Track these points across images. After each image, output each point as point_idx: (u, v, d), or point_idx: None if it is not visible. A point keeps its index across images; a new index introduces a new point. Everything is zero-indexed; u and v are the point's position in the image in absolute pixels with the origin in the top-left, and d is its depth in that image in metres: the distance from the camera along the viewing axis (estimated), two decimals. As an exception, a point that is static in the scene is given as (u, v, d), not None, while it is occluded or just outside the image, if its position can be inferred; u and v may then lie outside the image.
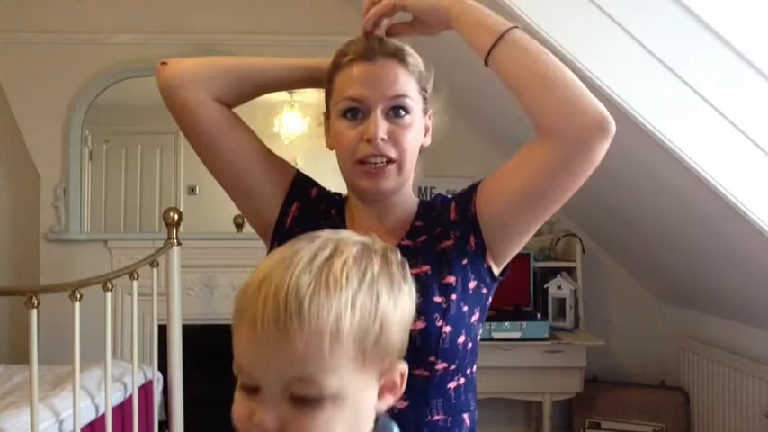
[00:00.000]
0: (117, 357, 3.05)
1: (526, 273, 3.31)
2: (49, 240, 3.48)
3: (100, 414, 2.33)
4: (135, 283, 2.43)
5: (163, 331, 2.77)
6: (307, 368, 0.58)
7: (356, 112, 0.99)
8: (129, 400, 2.53)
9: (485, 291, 1.03)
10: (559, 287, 3.31)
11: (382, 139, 0.97)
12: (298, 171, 1.11)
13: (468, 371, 1.02)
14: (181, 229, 2.83)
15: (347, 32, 1.07)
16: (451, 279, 0.99)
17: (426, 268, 0.98)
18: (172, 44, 3.30)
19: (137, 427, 2.47)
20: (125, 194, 3.77)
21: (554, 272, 3.38)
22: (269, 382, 0.60)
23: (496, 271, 1.04)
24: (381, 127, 0.97)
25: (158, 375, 2.79)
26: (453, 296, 0.98)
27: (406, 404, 0.93)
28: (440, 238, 1.03)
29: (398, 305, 0.64)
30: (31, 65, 3.49)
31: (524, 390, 3.15)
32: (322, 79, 1.05)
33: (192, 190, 3.77)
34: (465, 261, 1.01)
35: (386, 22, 1.04)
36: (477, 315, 1.02)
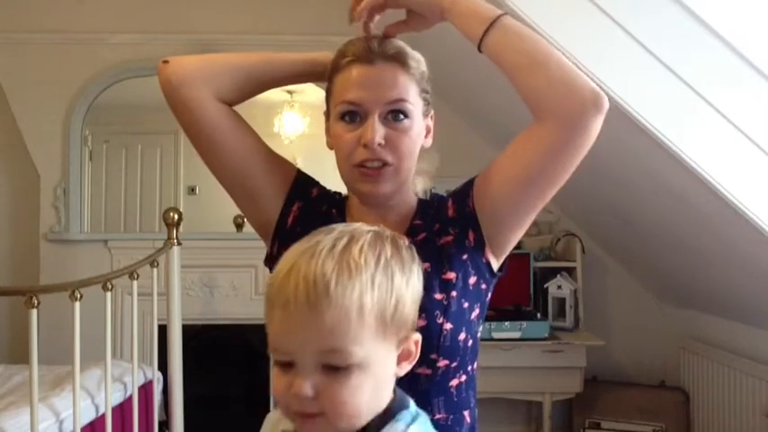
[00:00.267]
0: (117, 357, 3.05)
1: (526, 273, 3.31)
2: (48, 240, 3.48)
3: (100, 414, 2.33)
4: (135, 283, 2.43)
5: (163, 331, 2.77)
6: (336, 341, 0.67)
7: (354, 116, 0.99)
8: (129, 400, 2.53)
9: (484, 286, 1.04)
10: (559, 287, 3.31)
11: (380, 144, 0.97)
12: (299, 171, 1.11)
13: (470, 368, 1.03)
14: (181, 229, 2.84)
15: (348, 32, 1.06)
16: (452, 275, 0.99)
17: (426, 266, 0.98)
18: (172, 44, 3.30)
19: (137, 427, 2.47)
20: (125, 194, 3.77)
21: (554, 272, 3.38)
22: (303, 356, 0.68)
23: (495, 266, 1.04)
24: (378, 132, 0.97)
25: (158, 375, 2.79)
26: (454, 293, 0.98)
27: (409, 403, 0.93)
28: (439, 234, 1.03)
29: (410, 283, 0.73)
30: (32, 65, 3.49)
31: (524, 390, 3.15)
32: (324, 72, 1.05)
33: (192, 190, 3.77)
34: (465, 256, 1.01)
35: (377, 18, 1.05)
36: (477, 311, 1.02)
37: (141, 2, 3.52)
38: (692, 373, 3.25)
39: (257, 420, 0.87)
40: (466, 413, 1.02)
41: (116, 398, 2.46)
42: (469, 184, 1.05)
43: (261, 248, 1.12)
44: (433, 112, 1.07)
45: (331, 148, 1.04)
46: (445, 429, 0.98)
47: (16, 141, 3.50)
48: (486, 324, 2.91)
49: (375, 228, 0.75)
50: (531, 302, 3.33)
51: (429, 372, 0.96)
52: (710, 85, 1.95)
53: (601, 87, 0.94)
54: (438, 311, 0.97)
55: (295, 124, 3.72)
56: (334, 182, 1.13)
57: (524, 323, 3.04)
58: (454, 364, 0.99)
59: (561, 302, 3.31)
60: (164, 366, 2.80)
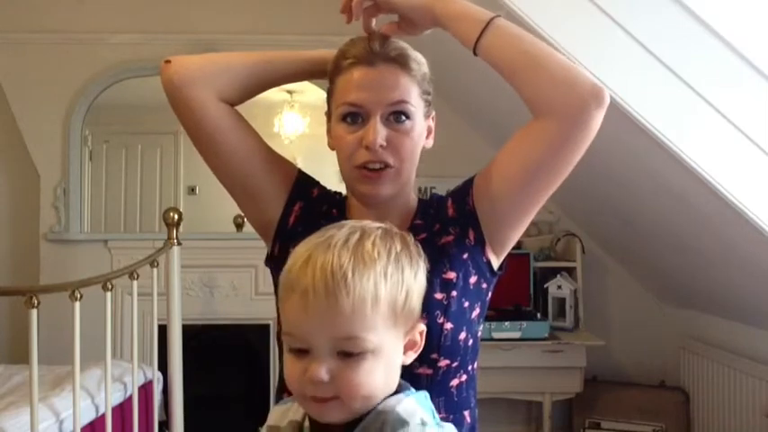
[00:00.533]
0: (117, 357, 3.05)
1: (526, 273, 3.31)
2: (48, 240, 3.48)
3: (100, 414, 2.33)
4: (135, 283, 2.43)
5: (163, 331, 2.77)
6: (353, 328, 0.70)
7: (356, 117, 0.99)
8: (129, 400, 2.53)
9: (485, 286, 1.04)
10: (559, 287, 3.31)
11: (381, 146, 0.97)
12: (300, 171, 1.11)
13: (470, 367, 1.03)
14: (181, 229, 2.84)
15: (348, 32, 1.06)
16: (452, 275, 0.99)
17: (427, 266, 0.98)
18: (172, 44, 3.30)
19: (137, 427, 2.47)
20: (125, 194, 3.77)
21: (554, 272, 3.38)
22: (319, 342, 0.71)
23: (495, 264, 1.04)
24: (380, 133, 0.97)
25: (158, 375, 2.79)
26: (454, 293, 0.98)
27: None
28: (440, 234, 1.03)
29: (417, 277, 0.77)
30: (31, 65, 3.49)
31: (524, 390, 3.15)
32: (325, 71, 1.05)
33: (192, 190, 3.77)
34: (465, 256, 1.01)
35: (374, 22, 1.05)
36: (477, 311, 1.02)
37: (141, 2, 3.52)
38: (692, 373, 3.25)
39: (257, 420, 0.88)
40: (466, 413, 1.02)
41: (116, 398, 2.46)
42: (469, 183, 1.05)
43: (261, 248, 1.12)
44: (434, 113, 1.07)
45: (333, 149, 1.04)
46: (446, 428, 0.99)
47: (16, 141, 3.50)
48: (486, 324, 2.91)
49: (383, 224, 0.79)
50: (531, 302, 3.33)
51: (430, 372, 0.96)
52: (710, 85, 1.95)
53: (601, 87, 0.94)
54: (438, 311, 0.97)
55: (295, 124, 3.72)
56: (334, 182, 1.13)
57: (524, 323, 3.04)
58: (455, 364, 0.99)
59: (561, 302, 3.31)
60: (164, 366, 2.80)
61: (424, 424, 0.72)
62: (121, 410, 2.52)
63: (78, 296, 2.02)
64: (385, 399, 0.74)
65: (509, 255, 1.07)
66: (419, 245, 0.80)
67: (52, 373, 2.55)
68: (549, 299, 3.34)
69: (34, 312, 1.85)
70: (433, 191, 1.05)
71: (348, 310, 0.69)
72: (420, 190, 0.98)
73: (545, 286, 3.36)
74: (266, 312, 2.98)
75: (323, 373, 0.70)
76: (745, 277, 2.49)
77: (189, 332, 2.98)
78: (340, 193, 1.12)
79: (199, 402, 3.10)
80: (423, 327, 0.79)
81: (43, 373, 2.35)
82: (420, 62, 1.02)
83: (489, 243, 1.02)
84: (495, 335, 2.99)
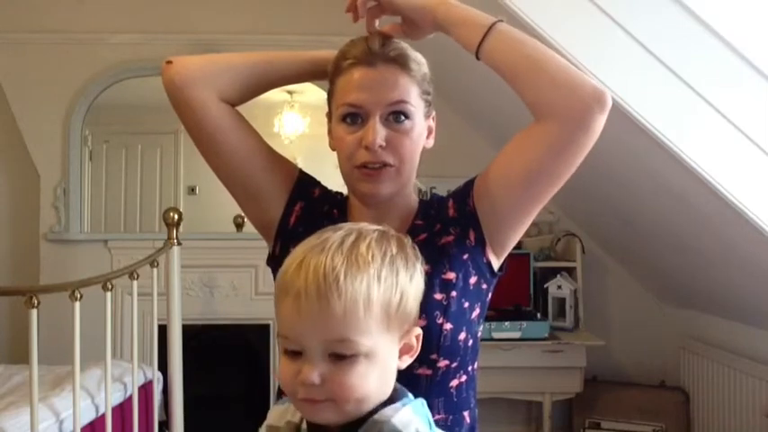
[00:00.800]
0: (117, 357, 3.05)
1: (526, 273, 3.31)
2: (48, 240, 3.48)
3: (100, 414, 2.33)
4: (135, 283, 2.43)
5: (163, 331, 2.77)
6: (345, 330, 0.70)
7: (356, 117, 0.99)
8: (129, 400, 2.53)
9: (485, 286, 1.04)
10: (559, 287, 3.31)
11: (381, 146, 0.97)
12: (301, 171, 1.12)
13: (470, 368, 1.03)
14: (181, 229, 2.83)
15: (349, 32, 1.06)
16: (452, 275, 0.99)
17: (427, 268, 0.98)
18: (172, 44, 3.30)
19: (137, 427, 2.47)
20: (125, 194, 3.77)
21: (554, 272, 3.38)
22: (312, 344, 0.70)
23: (496, 265, 1.04)
24: (380, 134, 0.97)
25: (158, 375, 2.79)
26: (454, 293, 0.98)
27: (408, 403, 0.93)
28: (440, 234, 1.03)
29: (413, 280, 0.76)
30: (31, 65, 3.49)
31: (524, 390, 3.15)
32: (326, 71, 1.05)
33: (192, 190, 3.77)
34: (466, 256, 1.01)
35: (377, 23, 1.05)
36: (477, 311, 1.02)
37: (141, 2, 3.52)
38: (692, 373, 3.25)
39: (257, 420, 0.87)
40: (466, 413, 1.02)
41: (116, 398, 2.46)
42: (470, 184, 1.05)
43: (261, 248, 1.12)
44: (434, 113, 1.07)
45: (333, 149, 1.04)
46: (445, 430, 0.98)
47: (16, 141, 3.50)
48: (486, 324, 2.91)
49: (380, 227, 0.78)
50: (531, 302, 3.33)
51: (429, 372, 0.96)
52: (710, 85, 1.95)
53: (601, 87, 0.94)
54: (438, 311, 0.97)
55: (295, 124, 3.72)
56: (334, 182, 1.13)
57: (524, 323, 3.04)
58: (454, 365, 0.99)
59: (561, 302, 3.31)
60: (164, 366, 2.80)
61: None
62: (121, 410, 2.52)
63: (78, 296, 2.02)
64: (382, 407, 0.73)
65: (509, 255, 1.07)
66: (417, 248, 0.79)
67: (52, 373, 2.55)
68: (549, 299, 3.34)
69: (34, 312, 1.86)
70: (434, 191, 1.05)
71: (340, 313, 0.69)
72: (420, 191, 0.98)
73: (545, 286, 3.36)
74: (266, 312, 2.98)
75: (314, 375, 0.70)
76: (745, 277, 2.49)
77: (189, 332, 2.98)
78: (341, 194, 1.12)
79: (199, 402, 3.10)
80: (419, 331, 0.78)
81: (43, 373, 2.35)
82: (420, 62, 1.02)
83: (490, 244, 1.02)
84: (495, 335, 2.99)
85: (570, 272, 3.41)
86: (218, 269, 3.51)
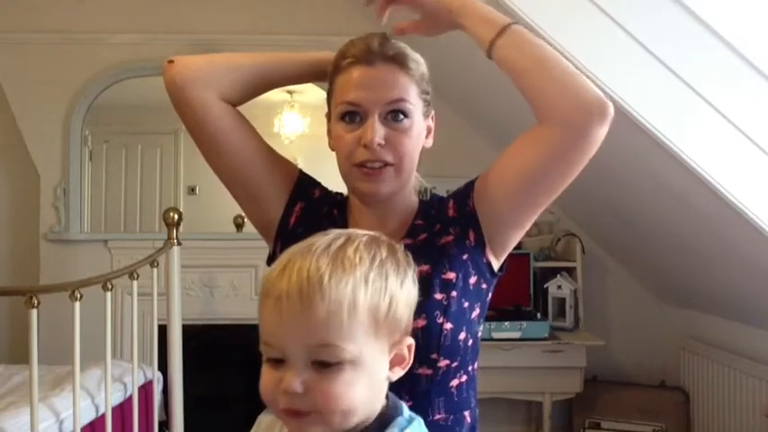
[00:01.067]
0: (117, 357, 3.05)
1: (526, 273, 3.31)
2: (48, 240, 3.47)
3: (100, 414, 2.33)
4: (135, 283, 2.43)
5: (163, 331, 2.77)
6: (328, 335, 0.66)
7: (354, 116, 0.99)
8: (129, 400, 2.53)
9: (485, 286, 1.04)
10: (559, 287, 3.31)
11: (379, 145, 0.97)
12: (301, 171, 1.12)
13: (470, 368, 1.03)
14: (181, 229, 2.83)
15: (349, 32, 1.07)
16: (452, 275, 0.99)
17: (427, 268, 0.99)
18: (172, 44, 3.30)
19: (137, 427, 2.47)
20: (125, 194, 3.77)
21: (554, 272, 3.38)
22: (294, 350, 0.67)
23: (496, 266, 1.04)
24: (378, 132, 0.97)
25: (158, 375, 2.79)
26: (454, 293, 0.99)
27: (409, 404, 0.93)
28: (440, 234, 1.03)
29: (404, 285, 0.72)
30: (31, 65, 3.49)
31: (524, 390, 3.15)
32: (327, 72, 1.05)
33: (192, 190, 3.77)
34: (465, 256, 1.01)
35: (389, 9, 1.06)
36: (477, 311, 1.02)
37: (141, 2, 3.52)
38: (692, 373, 3.24)
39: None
40: (466, 413, 1.02)
41: (116, 398, 2.46)
42: (470, 185, 1.05)
43: (261, 248, 1.12)
44: (433, 112, 1.07)
45: (333, 150, 1.04)
46: (445, 429, 0.99)
47: (16, 141, 3.50)
48: (486, 324, 2.91)
49: (372, 232, 0.75)
50: (531, 302, 3.33)
51: (429, 372, 0.96)
52: (710, 85, 1.95)
53: (601, 87, 0.94)
54: (438, 311, 0.97)
55: (295, 124, 3.72)
56: (334, 182, 1.13)
57: (524, 323, 3.04)
58: (455, 364, 0.99)
59: (561, 302, 3.31)
60: (164, 366, 2.80)
61: None
62: (121, 410, 2.52)
63: (78, 296, 2.02)
64: (376, 425, 0.70)
65: (509, 255, 1.07)
66: (409, 254, 0.76)
67: (52, 373, 2.55)
68: (549, 299, 3.34)
69: (34, 312, 1.86)
70: (434, 191, 1.05)
71: (322, 316, 0.66)
72: (421, 192, 0.98)
73: (545, 286, 3.35)
74: (266, 312, 2.98)
75: (297, 383, 0.66)
76: (745, 277, 2.49)
77: (189, 332, 2.98)
78: (341, 194, 1.12)
79: (199, 402, 3.10)
80: (411, 341, 0.75)
81: (43, 373, 2.35)
82: (418, 62, 1.02)
83: (489, 244, 1.02)
84: (495, 335, 2.99)
85: (570, 272, 3.41)
86: (218, 269, 3.51)
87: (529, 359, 3.05)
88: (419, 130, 1.02)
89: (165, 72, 1.04)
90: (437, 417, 0.98)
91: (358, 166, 0.99)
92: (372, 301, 0.68)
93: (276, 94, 3.42)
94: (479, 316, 1.03)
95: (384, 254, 0.72)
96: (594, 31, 1.95)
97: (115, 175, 3.74)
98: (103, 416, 2.27)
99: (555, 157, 0.95)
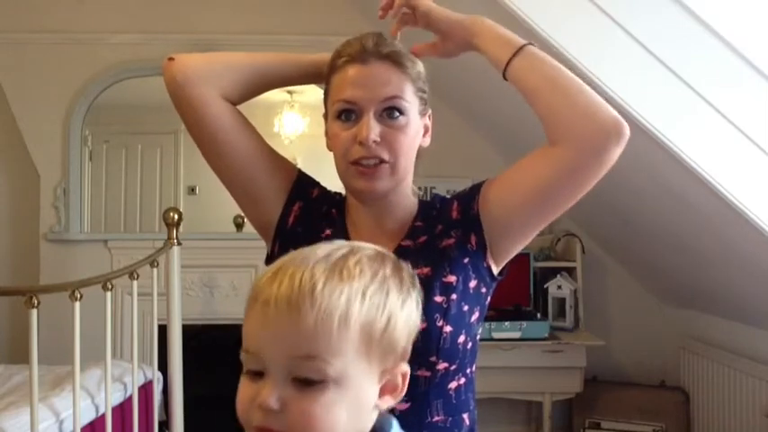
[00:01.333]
0: (117, 357, 3.05)
1: (526, 273, 3.31)
2: (48, 240, 3.48)
3: (100, 414, 2.33)
4: (135, 283, 2.43)
5: (163, 331, 2.77)
6: (314, 346, 0.60)
7: (350, 114, 0.99)
8: (129, 400, 2.53)
9: (484, 290, 1.04)
10: (559, 287, 3.31)
11: (375, 142, 0.97)
12: (300, 171, 1.11)
13: (469, 370, 1.03)
14: (181, 229, 2.83)
15: (349, 33, 1.06)
16: (452, 278, 0.99)
17: (427, 270, 0.98)
18: (172, 44, 3.29)
19: (137, 427, 2.47)
20: (125, 194, 3.77)
21: (554, 272, 3.38)
22: (275, 361, 0.61)
23: (495, 270, 1.04)
24: (374, 129, 0.97)
25: (158, 375, 2.79)
26: (454, 296, 0.98)
27: (407, 405, 0.93)
28: (441, 236, 1.03)
29: (406, 306, 0.66)
30: (31, 65, 3.49)
31: (524, 390, 3.15)
32: None
33: (191, 190, 3.77)
34: (466, 260, 1.01)
35: (399, 36, 1.07)
36: (476, 314, 1.02)
37: (141, 2, 3.52)
38: (692, 373, 3.24)
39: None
40: (465, 415, 1.02)
41: (116, 398, 2.46)
42: (476, 189, 1.05)
43: (261, 248, 1.12)
44: (430, 111, 1.07)
45: (330, 150, 1.04)
46: None
47: (16, 141, 3.50)
48: (486, 324, 2.91)
49: (379, 248, 0.70)
50: (531, 302, 3.33)
51: (428, 374, 0.96)
52: (710, 85, 1.95)
53: (601, 88, 0.95)
54: (438, 314, 0.97)
55: (295, 124, 3.72)
56: (333, 182, 1.13)
57: (524, 323, 3.04)
58: (453, 367, 0.99)
59: (561, 302, 3.31)
60: (164, 366, 2.80)
61: None
62: (121, 410, 2.52)
63: (78, 296, 2.02)
64: None
65: (509, 257, 1.07)
66: (416, 276, 0.70)
67: (52, 373, 2.55)
68: (549, 299, 3.34)
69: (34, 312, 1.85)
70: (434, 191, 1.05)
71: (310, 325, 0.60)
72: (419, 190, 0.98)
73: (545, 286, 3.35)
74: (266, 312, 2.97)
75: (273, 399, 0.60)
76: (745, 277, 2.49)
77: (189, 332, 2.98)
78: (340, 194, 1.11)
79: (199, 402, 3.10)
80: (407, 368, 0.68)
81: (43, 373, 2.35)
82: (414, 60, 1.02)
83: (490, 250, 1.02)
84: (495, 335, 2.99)
85: (570, 272, 3.41)
86: (218, 269, 3.51)
87: (529, 359, 3.05)
88: (415, 128, 1.02)
89: (165, 69, 1.04)
90: (435, 419, 0.98)
91: (354, 164, 0.99)
92: (368, 316, 0.62)
93: (276, 94, 3.42)
94: (478, 319, 1.03)
95: (388, 270, 0.66)
96: (594, 31, 1.95)
97: (115, 175, 3.75)
98: (103, 416, 2.27)
99: (566, 175, 0.96)
